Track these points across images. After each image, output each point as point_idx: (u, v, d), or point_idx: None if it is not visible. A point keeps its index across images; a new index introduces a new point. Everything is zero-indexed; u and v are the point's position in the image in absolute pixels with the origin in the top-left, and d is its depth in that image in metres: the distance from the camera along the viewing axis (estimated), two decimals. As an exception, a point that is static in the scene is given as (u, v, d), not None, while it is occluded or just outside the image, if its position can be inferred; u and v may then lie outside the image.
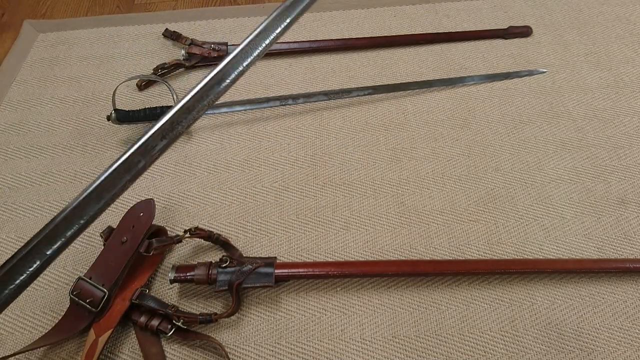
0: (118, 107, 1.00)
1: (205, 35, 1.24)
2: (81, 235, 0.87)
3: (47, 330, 0.76)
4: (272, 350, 0.75)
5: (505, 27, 1.21)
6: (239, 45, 0.50)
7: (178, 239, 0.81)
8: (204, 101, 0.49)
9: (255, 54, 0.50)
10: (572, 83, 1.10)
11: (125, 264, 0.76)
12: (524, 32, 1.20)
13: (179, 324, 0.73)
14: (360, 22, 1.27)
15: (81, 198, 0.45)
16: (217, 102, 1.03)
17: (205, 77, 0.48)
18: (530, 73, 1.12)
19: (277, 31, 0.51)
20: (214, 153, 1.00)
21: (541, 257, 0.83)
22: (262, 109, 1.06)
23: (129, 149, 0.46)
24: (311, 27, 1.26)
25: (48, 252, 0.44)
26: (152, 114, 0.99)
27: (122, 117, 0.98)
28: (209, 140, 1.03)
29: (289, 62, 1.18)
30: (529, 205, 0.90)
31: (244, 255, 0.82)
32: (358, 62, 1.18)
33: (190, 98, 0.48)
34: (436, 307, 0.79)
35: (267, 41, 0.51)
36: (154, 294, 0.81)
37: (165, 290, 0.81)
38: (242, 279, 0.75)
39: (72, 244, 0.86)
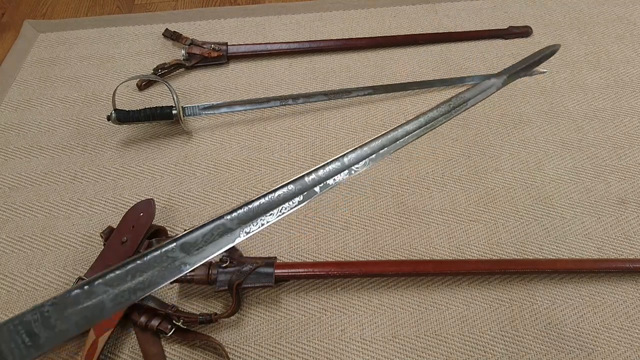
0: (118, 107, 1.00)
1: (205, 35, 1.24)
2: (81, 235, 0.89)
3: (47, 330, 0.76)
4: (272, 350, 0.75)
5: (505, 27, 1.21)
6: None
7: (178, 239, 0.81)
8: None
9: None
10: (572, 83, 1.10)
11: (125, 264, 0.76)
12: (524, 32, 1.20)
13: (179, 324, 0.73)
14: (360, 22, 1.27)
15: None
16: (217, 103, 1.04)
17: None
18: (530, 73, 1.12)
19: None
20: (214, 153, 1.00)
21: (541, 257, 0.83)
22: (262, 109, 1.05)
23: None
24: (311, 27, 1.26)
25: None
26: (152, 114, 0.99)
27: (122, 117, 0.98)
28: (209, 140, 1.03)
29: (289, 62, 1.18)
30: (529, 205, 0.90)
31: (244, 255, 0.82)
32: (358, 62, 1.18)
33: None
34: (436, 307, 0.79)
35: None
36: (154, 294, 0.80)
37: (165, 290, 0.81)
38: (242, 279, 0.75)
39: (72, 244, 0.87)
